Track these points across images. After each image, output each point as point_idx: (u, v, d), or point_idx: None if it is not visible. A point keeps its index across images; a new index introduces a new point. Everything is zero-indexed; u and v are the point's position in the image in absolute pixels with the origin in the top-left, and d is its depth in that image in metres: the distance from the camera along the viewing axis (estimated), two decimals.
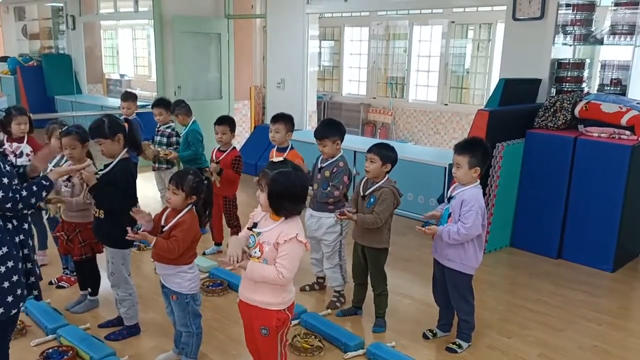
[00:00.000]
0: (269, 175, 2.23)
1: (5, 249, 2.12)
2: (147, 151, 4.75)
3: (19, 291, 2.19)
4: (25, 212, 2.20)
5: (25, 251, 2.25)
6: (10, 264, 2.14)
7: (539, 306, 3.80)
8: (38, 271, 2.34)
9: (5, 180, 2.09)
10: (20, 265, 2.20)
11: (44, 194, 2.26)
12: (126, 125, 3.12)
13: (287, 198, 2.22)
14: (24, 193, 2.15)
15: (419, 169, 5.56)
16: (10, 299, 2.16)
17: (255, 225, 2.34)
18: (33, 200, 2.19)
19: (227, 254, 2.29)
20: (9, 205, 2.10)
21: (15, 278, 2.16)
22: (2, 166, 2.11)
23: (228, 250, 2.31)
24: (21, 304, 2.25)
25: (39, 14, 11.74)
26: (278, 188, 2.21)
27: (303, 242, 2.25)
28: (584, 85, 5.12)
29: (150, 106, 6.24)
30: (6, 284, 2.13)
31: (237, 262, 2.25)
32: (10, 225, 2.18)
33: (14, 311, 2.21)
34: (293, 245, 2.23)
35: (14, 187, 2.12)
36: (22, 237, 2.23)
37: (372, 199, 3.23)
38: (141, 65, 12.79)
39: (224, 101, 8.17)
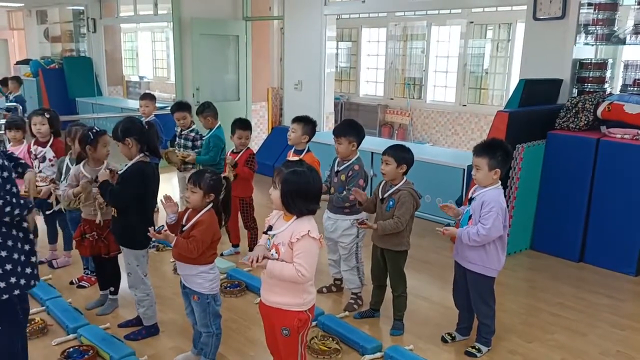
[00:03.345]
0: (283, 173, 2.24)
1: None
2: (173, 159, 4.76)
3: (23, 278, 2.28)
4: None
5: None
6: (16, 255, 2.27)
7: (561, 310, 3.74)
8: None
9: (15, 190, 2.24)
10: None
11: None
12: (146, 127, 3.14)
13: (299, 196, 2.23)
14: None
15: (437, 171, 5.52)
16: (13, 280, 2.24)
17: (270, 228, 2.35)
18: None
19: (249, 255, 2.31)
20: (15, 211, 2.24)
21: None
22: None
23: (251, 253, 2.32)
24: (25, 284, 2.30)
25: (61, 17, 11.91)
26: (291, 186, 2.22)
27: (317, 239, 2.24)
28: (606, 85, 5.03)
29: (169, 108, 6.29)
30: (8, 267, 2.23)
31: (257, 262, 2.25)
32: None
33: (16, 291, 2.27)
34: (307, 242, 2.22)
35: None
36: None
37: (391, 202, 3.21)
38: (160, 67, 12.93)
39: (242, 103, 8.22)
